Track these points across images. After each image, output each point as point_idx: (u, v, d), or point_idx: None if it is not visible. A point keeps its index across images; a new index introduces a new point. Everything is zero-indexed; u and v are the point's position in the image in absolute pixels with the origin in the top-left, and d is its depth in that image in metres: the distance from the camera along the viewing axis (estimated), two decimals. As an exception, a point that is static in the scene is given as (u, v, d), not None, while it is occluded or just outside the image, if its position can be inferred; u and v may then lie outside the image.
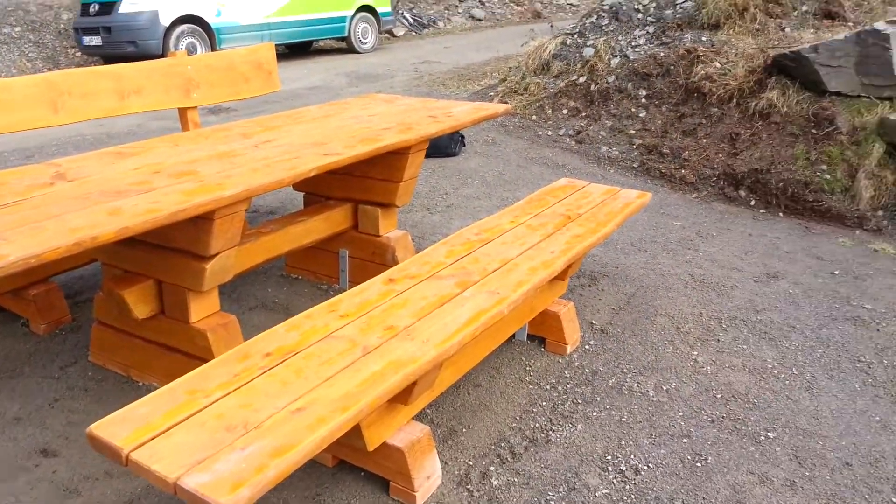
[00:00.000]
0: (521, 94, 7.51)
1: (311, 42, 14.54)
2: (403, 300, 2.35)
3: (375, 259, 3.64)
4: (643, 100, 6.48)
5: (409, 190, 3.54)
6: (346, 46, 14.42)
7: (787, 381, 3.01)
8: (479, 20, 18.36)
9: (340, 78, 11.14)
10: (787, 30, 6.65)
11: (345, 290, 2.84)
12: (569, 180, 3.80)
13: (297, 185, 3.63)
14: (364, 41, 14.48)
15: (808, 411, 2.80)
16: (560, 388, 2.95)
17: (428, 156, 5.31)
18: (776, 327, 3.47)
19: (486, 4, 18.97)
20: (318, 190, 3.69)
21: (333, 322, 2.19)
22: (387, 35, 16.13)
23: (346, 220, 3.64)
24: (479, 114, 3.74)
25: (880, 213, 4.72)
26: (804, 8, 6.86)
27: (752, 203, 5.22)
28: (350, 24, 14.08)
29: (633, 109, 6.47)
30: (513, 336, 3.24)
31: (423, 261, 2.69)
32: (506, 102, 7.47)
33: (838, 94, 5.30)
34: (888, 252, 4.34)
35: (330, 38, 14.39)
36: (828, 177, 4.96)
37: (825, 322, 3.52)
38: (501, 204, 5.20)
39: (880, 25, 5.14)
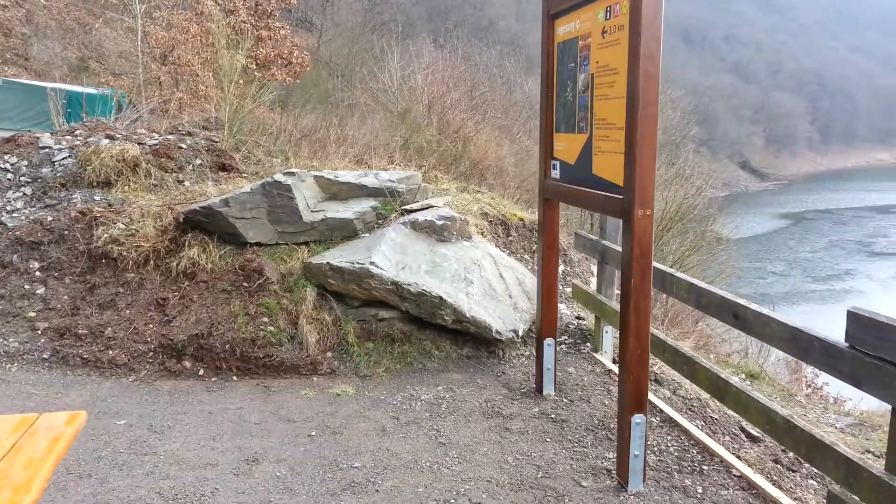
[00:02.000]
0: None
1: None
2: None
3: None
4: (38, 273, 5.24)
5: None
6: None
7: None
8: None
9: None
10: (187, 184, 6.44)
11: None
12: (-51, 423, 2.46)
13: None
14: None
15: None
16: None
17: None
18: (282, 529, 2.88)
19: None
20: None
21: None
22: None
23: None
24: None
25: (330, 354, 4.73)
26: (198, 161, 6.80)
27: (202, 373, 4.61)
28: None
29: (27, 286, 5.15)
30: None
31: None
32: None
33: (259, 244, 5.24)
34: (349, 393, 4.30)
35: None
36: (272, 328, 4.75)
37: (325, 502, 3.11)
38: None
39: (280, 177, 5.33)
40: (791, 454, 4.08)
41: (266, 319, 4.80)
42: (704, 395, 4.73)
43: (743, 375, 5.77)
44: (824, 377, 9.70)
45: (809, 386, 9.49)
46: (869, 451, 4.59)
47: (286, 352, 4.68)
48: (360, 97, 14.15)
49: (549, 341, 4.13)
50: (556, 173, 3.88)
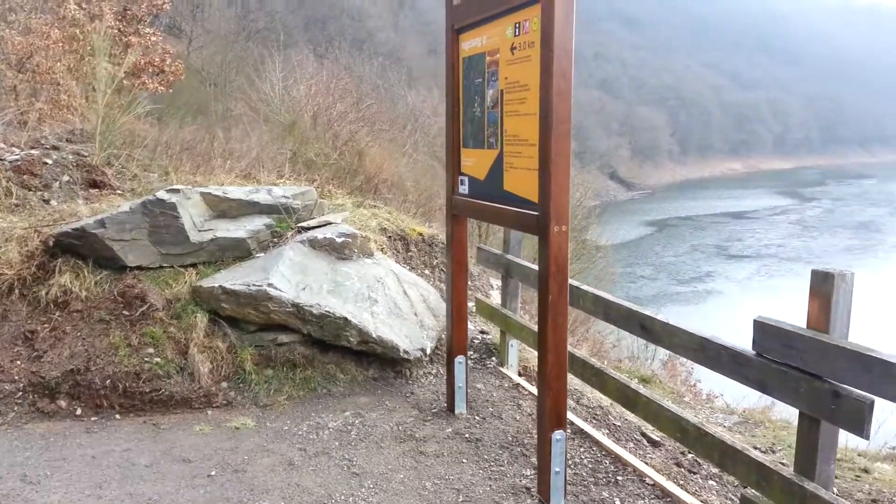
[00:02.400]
0: None
1: None
2: None
3: None
4: None
5: None
6: None
7: None
8: None
9: None
10: (55, 203, 5.86)
11: None
12: None
13: None
14: None
15: None
16: None
17: None
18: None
19: None
20: None
21: None
22: None
23: None
24: None
25: (225, 385, 4.41)
26: (65, 178, 6.22)
27: (79, 412, 4.17)
28: None
29: None
30: None
31: None
32: None
33: (140, 268, 4.83)
34: (249, 426, 4.03)
35: None
36: (159, 360, 4.38)
37: (236, 547, 2.87)
38: None
39: (163, 195, 4.95)
40: (690, 456, 4.26)
41: (151, 350, 4.42)
42: (605, 403, 4.84)
43: (637, 380, 5.98)
44: (698, 374, 10.31)
45: (684, 384, 10.04)
46: (756, 448, 4.86)
47: (176, 384, 4.33)
48: (240, 108, 13.60)
49: (459, 359, 4.07)
50: (464, 189, 3.83)
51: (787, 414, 6.01)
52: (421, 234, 6.12)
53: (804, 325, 2.54)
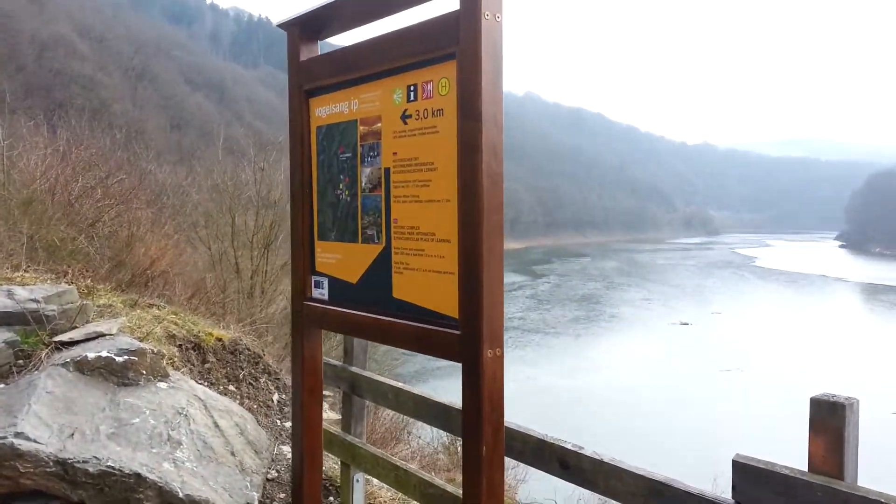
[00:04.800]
0: None
1: None
2: None
3: None
4: None
5: None
6: None
7: None
8: None
9: None
10: None
11: None
12: None
13: None
14: None
15: None
16: None
17: None
18: None
19: None
20: None
21: None
22: None
23: None
24: None
25: None
26: None
27: None
28: None
29: None
30: None
31: None
32: None
33: None
34: None
35: None
36: None
37: None
38: None
39: None
40: None
41: None
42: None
43: None
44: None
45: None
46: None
47: None
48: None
49: (313, 522, 3.05)
50: (321, 293, 2.94)
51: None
52: (220, 340, 4.93)
53: (804, 468, 2.08)
